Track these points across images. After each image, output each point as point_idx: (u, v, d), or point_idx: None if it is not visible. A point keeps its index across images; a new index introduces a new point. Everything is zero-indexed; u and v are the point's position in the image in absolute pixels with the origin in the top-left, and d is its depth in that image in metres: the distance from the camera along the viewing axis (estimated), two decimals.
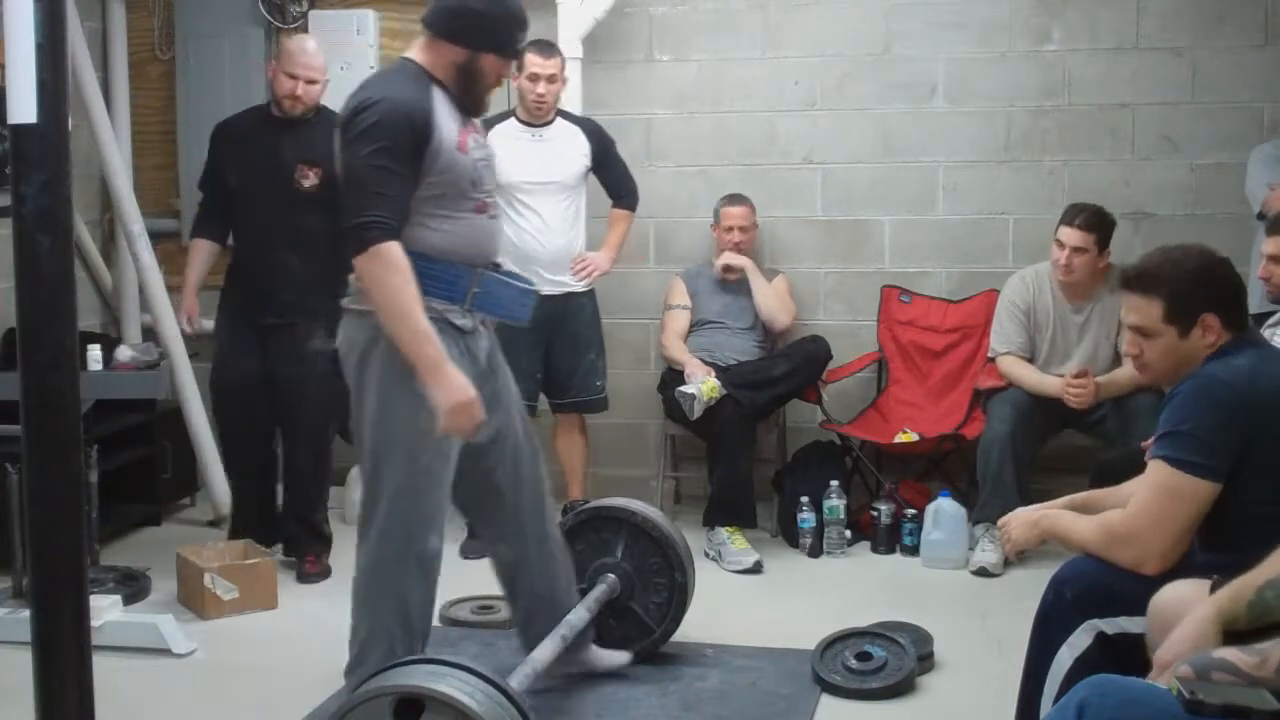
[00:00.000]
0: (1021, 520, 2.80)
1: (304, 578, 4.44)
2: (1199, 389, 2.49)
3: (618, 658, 3.57)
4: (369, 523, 3.00)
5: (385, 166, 2.82)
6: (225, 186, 4.45)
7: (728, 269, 5.03)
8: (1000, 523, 2.89)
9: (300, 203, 4.33)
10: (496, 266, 3.12)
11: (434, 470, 2.98)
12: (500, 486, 3.21)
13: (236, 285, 4.49)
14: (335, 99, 4.55)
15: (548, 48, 4.67)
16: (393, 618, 2.98)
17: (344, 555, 4.56)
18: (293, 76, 4.30)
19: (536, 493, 3.29)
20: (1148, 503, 2.50)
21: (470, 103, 3.03)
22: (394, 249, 2.82)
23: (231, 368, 4.46)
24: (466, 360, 3.00)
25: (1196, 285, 2.55)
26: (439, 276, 2.95)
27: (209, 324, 4.62)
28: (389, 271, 2.82)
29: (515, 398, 3.25)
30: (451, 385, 2.84)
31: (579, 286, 4.81)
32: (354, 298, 2.98)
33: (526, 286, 3.15)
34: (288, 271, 4.34)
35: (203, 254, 4.56)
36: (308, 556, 4.49)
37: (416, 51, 3.03)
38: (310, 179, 4.33)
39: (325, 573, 4.50)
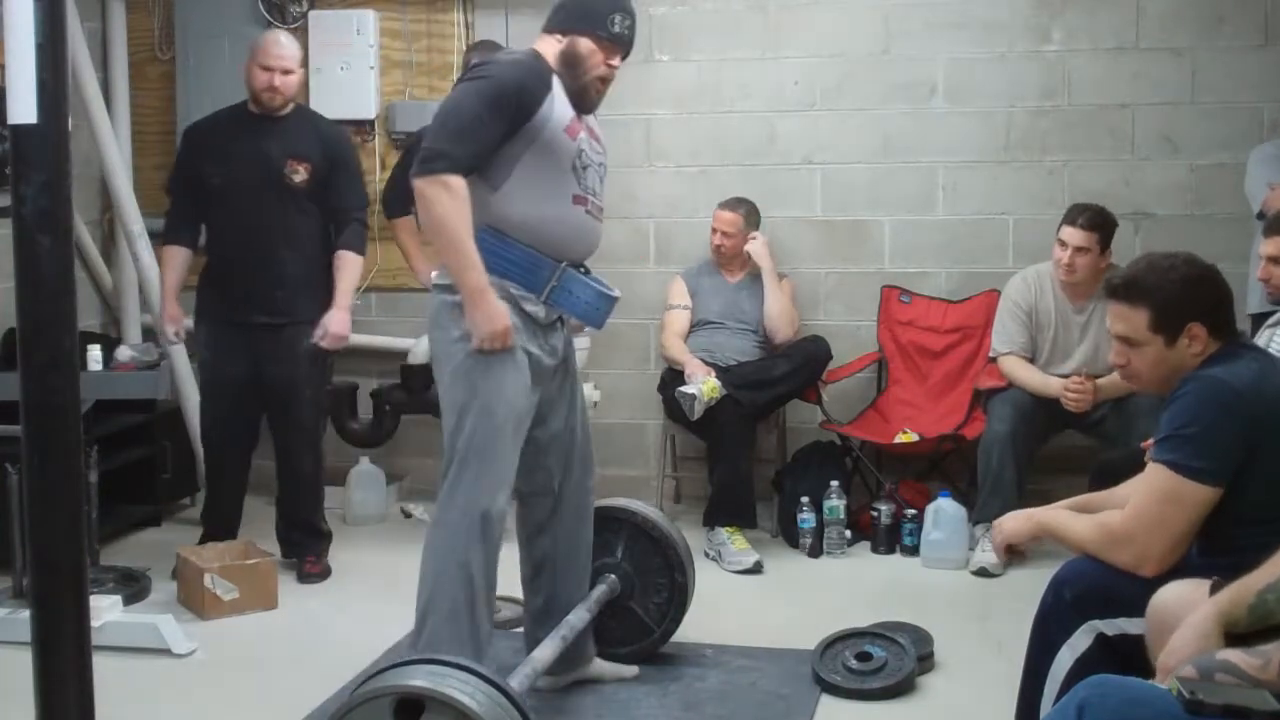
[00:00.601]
0: (1016, 516, 2.81)
1: (304, 578, 4.43)
2: (1204, 392, 2.47)
3: (623, 671, 3.56)
4: (443, 479, 3.05)
5: (479, 113, 2.94)
6: (200, 189, 4.37)
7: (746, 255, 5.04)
8: (995, 525, 2.88)
9: (292, 198, 4.32)
10: (586, 270, 3.16)
11: (507, 431, 3.02)
12: (553, 483, 3.28)
13: (218, 288, 4.40)
14: (335, 99, 4.59)
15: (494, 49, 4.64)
16: (455, 574, 3.01)
17: (344, 555, 4.59)
18: (267, 69, 4.28)
19: (581, 499, 3.35)
20: (1147, 506, 2.49)
21: (577, 92, 3.11)
22: (459, 180, 2.92)
23: (222, 372, 4.38)
24: (546, 354, 3.09)
25: (1183, 294, 2.54)
26: (520, 263, 3.03)
27: (190, 323, 4.53)
28: (450, 195, 2.91)
29: (581, 400, 3.32)
30: (490, 310, 2.94)
31: None
32: (442, 273, 3.07)
33: (607, 292, 3.17)
34: (280, 270, 4.31)
35: (178, 259, 4.44)
36: (308, 556, 4.48)
37: (537, 46, 3.15)
38: (301, 173, 4.32)
39: (325, 573, 4.49)
